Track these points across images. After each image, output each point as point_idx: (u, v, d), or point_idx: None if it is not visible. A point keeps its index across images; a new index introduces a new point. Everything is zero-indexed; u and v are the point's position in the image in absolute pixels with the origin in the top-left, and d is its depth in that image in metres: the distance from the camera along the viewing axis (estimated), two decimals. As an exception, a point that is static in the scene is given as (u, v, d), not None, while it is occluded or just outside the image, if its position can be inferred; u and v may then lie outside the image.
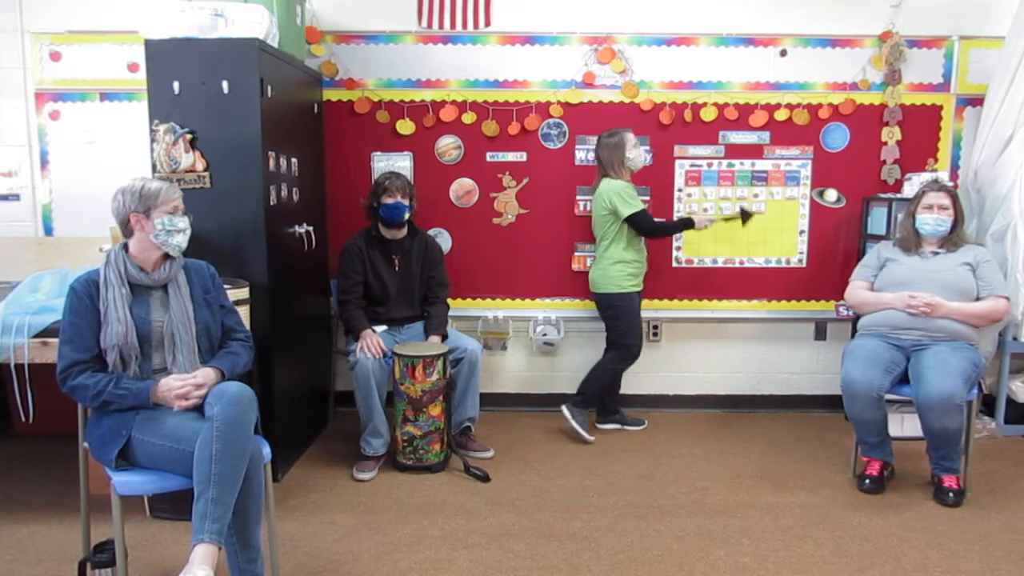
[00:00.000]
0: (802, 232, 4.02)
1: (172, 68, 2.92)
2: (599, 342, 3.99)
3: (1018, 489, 3.11)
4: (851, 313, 3.65)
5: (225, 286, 2.49)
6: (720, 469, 3.31)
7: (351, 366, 3.23)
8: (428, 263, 3.53)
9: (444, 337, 3.41)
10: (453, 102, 3.90)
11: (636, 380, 3.93)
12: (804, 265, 4.04)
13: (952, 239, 3.10)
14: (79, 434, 2.25)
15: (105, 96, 3.89)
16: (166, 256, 2.28)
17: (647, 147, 3.88)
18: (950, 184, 3.29)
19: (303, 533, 2.68)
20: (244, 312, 2.83)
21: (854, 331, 3.55)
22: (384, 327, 3.42)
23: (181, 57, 2.92)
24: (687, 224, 3.60)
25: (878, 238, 3.65)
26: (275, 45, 3.14)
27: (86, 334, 2.14)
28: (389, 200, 3.34)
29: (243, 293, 2.89)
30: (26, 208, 3.96)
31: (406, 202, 3.37)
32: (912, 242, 3.15)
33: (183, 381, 2.16)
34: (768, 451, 3.53)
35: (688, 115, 3.91)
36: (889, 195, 3.79)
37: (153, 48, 2.94)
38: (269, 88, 3.02)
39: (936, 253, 3.11)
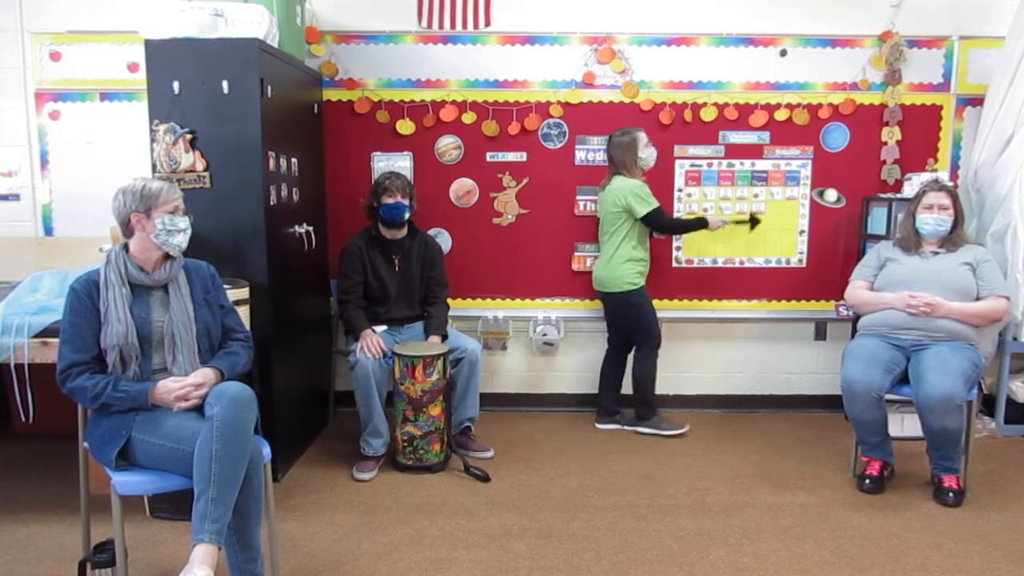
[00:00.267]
0: (802, 232, 4.02)
1: (172, 68, 2.92)
2: (599, 342, 4.00)
3: (1018, 489, 3.11)
4: (851, 313, 3.66)
5: (225, 286, 2.49)
6: (720, 469, 3.31)
7: (351, 366, 3.23)
8: (428, 263, 3.53)
9: (444, 337, 3.41)
10: (453, 102, 3.90)
11: (636, 380, 3.93)
12: (804, 265, 4.04)
13: (952, 239, 3.10)
14: (79, 434, 2.25)
15: (105, 96, 3.90)
16: (166, 256, 2.27)
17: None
18: (950, 184, 3.29)
19: (303, 533, 2.68)
20: (244, 312, 2.83)
21: (854, 331, 3.55)
22: (384, 327, 3.42)
23: (181, 57, 2.92)
24: (701, 224, 3.64)
25: (878, 238, 3.65)
26: (275, 45, 3.14)
27: (86, 334, 2.14)
28: (389, 200, 3.34)
29: (243, 293, 2.89)
30: (26, 208, 3.96)
31: (406, 202, 3.37)
32: (912, 242, 3.15)
33: (181, 383, 2.16)
34: (768, 451, 3.53)
35: (688, 115, 3.91)
36: (889, 195, 3.79)
37: (153, 48, 2.93)
38: (269, 88, 3.02)
39: (936, 253, 3.11)
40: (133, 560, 2.42)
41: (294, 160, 3.34)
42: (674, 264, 4.03)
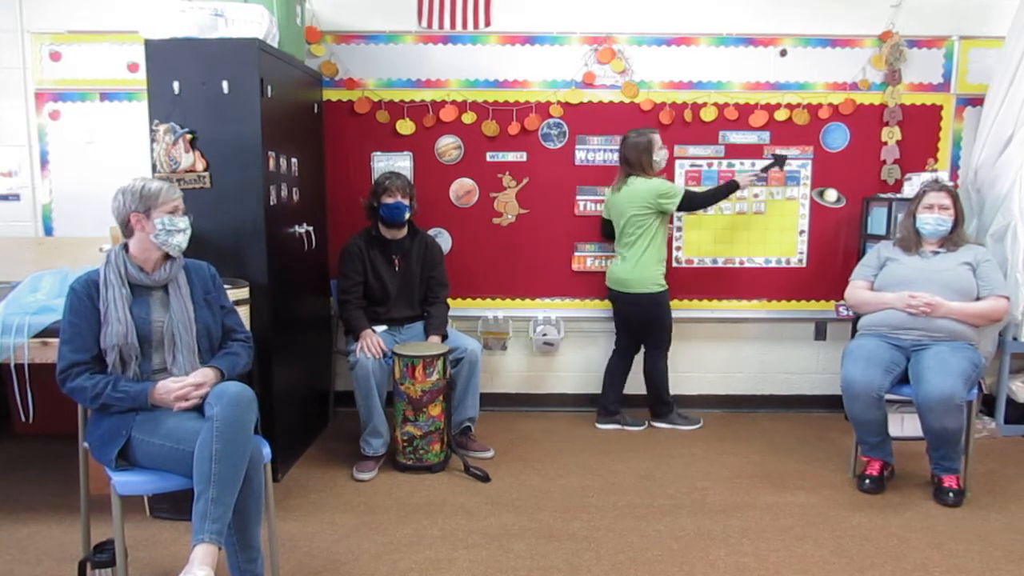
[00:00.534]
0: (802, 232, 4.02)
1: (172, 68, 2.92)
2: (599, 342, 4.00)
3: (1018, 489, 3.11)
4: (851, 313, 3.66)
5: (225, 286, 2.49)
6: (720, 469, 3.31)
7: (351, 366, 3.23)
8: (428, 263, 3.53)
9: (444, 337, 3.41)
10: (453, 102, 3.90)
11: (637, 381, 3.92)
12: (804, 265, 4.04)
13: (952, 239, 3.10)
14: (79, 434, 2.25)
15: (105, 96, 3.89)
16: (166, 256, 2.28)
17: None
18: (950, 184, 3.29)
19: (303, 533, 2.68)
20: (244, 312, 2.83)
21: (854, 331, 3.55)
22: (384, 327, 3.42)
23: (181, 57, 2.92)
24: (732, 187, 3.65)
25: (878, 238, 3.65)
26: (275, 45, 3.14)
27: (86, 335, 2.15)
28: (389, 200, 3.34)
29: (243, 293, 2.89)
30: (26, 208, 3.96)
31: (406, 202, 3.37)
32: (912, 242, 3.15)
33: (181, 383, 2.16)
34: (768, 451, 3.53)
35: (688, 115, 3.91)
36: (889, 195, 3.79)
37: (153, 48, 2.93)
38: (269, 88, 3.02)
39: (936, 253, 3.11)
40: (133, 560, 2.42)
41: (294, 160, 3.34)
42: (674, 264, 4.02)
